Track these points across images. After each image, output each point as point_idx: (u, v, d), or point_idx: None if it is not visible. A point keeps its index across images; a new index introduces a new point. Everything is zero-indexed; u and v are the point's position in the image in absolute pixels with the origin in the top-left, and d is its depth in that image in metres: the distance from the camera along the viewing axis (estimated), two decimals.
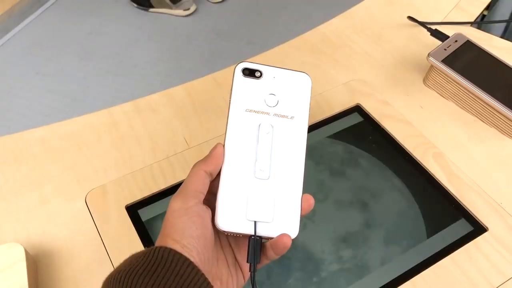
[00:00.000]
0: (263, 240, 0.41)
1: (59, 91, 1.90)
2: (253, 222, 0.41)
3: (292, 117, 0.44)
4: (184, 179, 0.57)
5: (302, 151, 0.43)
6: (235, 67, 0.44)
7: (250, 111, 0.43)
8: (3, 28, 2.12)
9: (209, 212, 0.40)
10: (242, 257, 0.42)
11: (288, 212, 0.42)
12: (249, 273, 0.41)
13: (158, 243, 0.38)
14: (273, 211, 0.41)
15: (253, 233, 0.40)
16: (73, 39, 2.14)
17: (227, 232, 0.41)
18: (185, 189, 0.39)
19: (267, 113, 0.43)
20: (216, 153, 0.41)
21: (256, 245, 0.40)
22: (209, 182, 0.41)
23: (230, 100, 0.43)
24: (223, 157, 0.42)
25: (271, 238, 0.41)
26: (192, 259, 0.35)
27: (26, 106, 1.85)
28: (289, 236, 0.40)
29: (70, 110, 1.82)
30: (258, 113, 0.43)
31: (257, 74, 0.44)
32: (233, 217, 0.41)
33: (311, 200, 0.43)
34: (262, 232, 0.41)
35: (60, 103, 1.86)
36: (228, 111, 0.43)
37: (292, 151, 0.43)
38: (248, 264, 0.41)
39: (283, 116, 0.44)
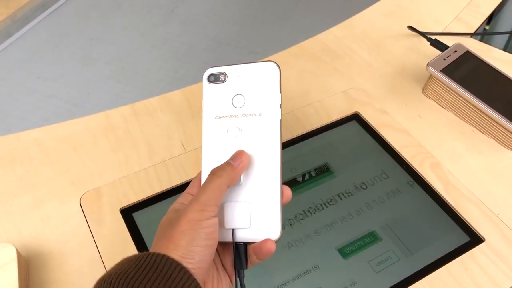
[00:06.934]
0: (248, 244, 0.41)
1: (60, 96, 1.91)
2: (231, 230, 0.41)
3: (260, 114, 0.42)
4: (181, 183, 0.58)
5: (276, 147, 0.41)
6: (203, 75, 0.44)
7: (219, 117, 0.43)
8: (6, 32, 2.13)
9: (218, 223, 0.39)
10: (227, 260, 0.42)
11: (267, 214, 0.40)
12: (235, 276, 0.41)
13: (156, 246, 0.37)
14: (249, 216, 0.41)
15: (234, 241, 0.40)
16: (75, 45, 2.15)
17: None
18: (205, 199, 0.38)
19: (235, 116, 0.42)
20: (241, 168, 0.40)
21: (240, 251, 0.40)
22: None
23: (202, 110, 0.43)
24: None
25: (254, 242, 0.40)
26: (190, 265, 0.35)
27: (26, 111, 1.85)
28: (273, 241, 0.39)
29: (70, 115, 1.83)
30: (227, 118, 0.43)
31: (222, 77, 0.43)
32: None
33: (287, 191, 0.41)
34: (243, 238, 0.41)
35: (61, 108, 1.86)
36: (202, 122, 0.43)
37: (265, 150, 0.41)
38: (233, 267, 0.42)
39: (251, 115, 0.42)
